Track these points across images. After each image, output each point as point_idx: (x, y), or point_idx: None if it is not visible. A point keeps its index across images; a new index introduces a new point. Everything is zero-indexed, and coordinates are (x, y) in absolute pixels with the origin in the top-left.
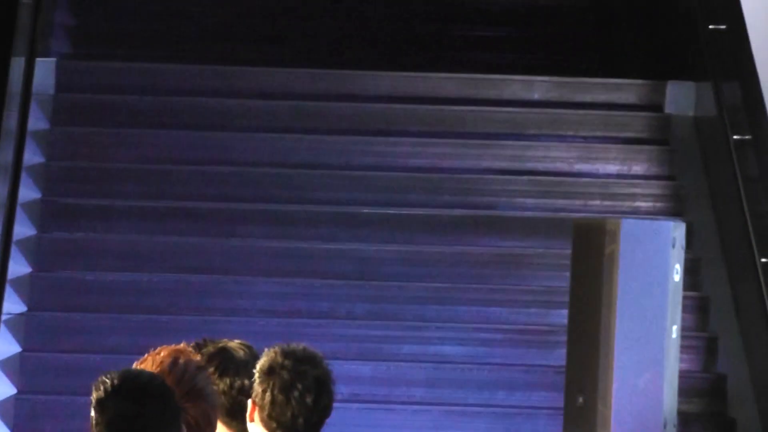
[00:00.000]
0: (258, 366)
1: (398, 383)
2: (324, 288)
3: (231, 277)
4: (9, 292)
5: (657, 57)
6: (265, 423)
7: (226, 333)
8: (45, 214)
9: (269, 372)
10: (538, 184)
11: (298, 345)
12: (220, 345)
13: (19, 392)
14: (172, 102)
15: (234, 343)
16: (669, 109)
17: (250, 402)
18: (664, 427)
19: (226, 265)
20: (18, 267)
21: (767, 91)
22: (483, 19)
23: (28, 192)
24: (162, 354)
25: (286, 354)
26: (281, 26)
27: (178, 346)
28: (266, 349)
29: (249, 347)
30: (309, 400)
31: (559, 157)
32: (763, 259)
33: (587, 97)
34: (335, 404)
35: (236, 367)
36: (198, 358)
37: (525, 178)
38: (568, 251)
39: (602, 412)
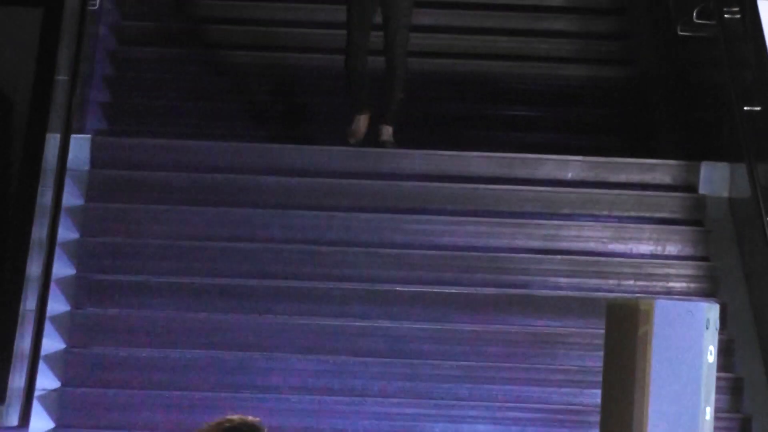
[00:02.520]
0: None
1: None
2: (357, 365)
3: (264, 353)
4: (43, 368)
5: (691, 137)
6: None
7: (258, 410)
8: (79, 290)
9: None
10: (572, 264)
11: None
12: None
13: None
14: (206, 179)
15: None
16: (703, 189)
17: None
18: None
19: (259, 341)
20: (52, 343)
21: None
22: (517, 99)
23: (62, 268)
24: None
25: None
26: (316, 104)
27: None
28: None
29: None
30: None
31: (592, 236)
32: None
33: (621, 177)
34: None
35: None
36: None
37: (558, 257)
38: (602, 331)
39: None
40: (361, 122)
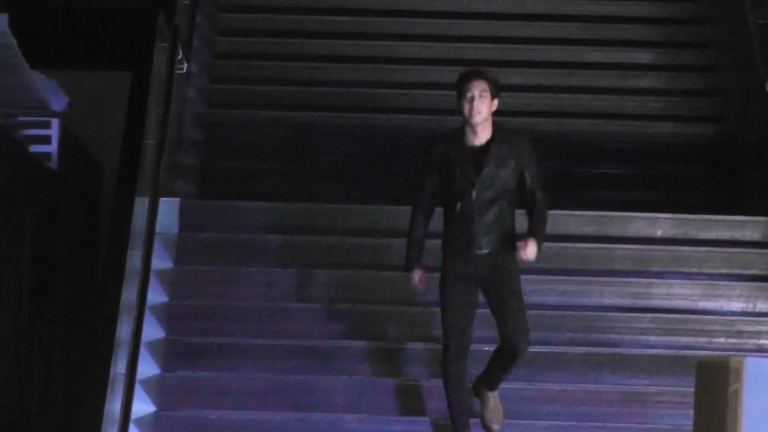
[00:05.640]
0: None
1: None
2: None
3: (354, 415)
4: None
5: None
6: None
7: None
8: (169, 353)
9: None
10: (662, 322)
11: None
12: None
13: None
14: (295, 240)
15: None
16: None
17: None
18: None
19: (348, 402)
20: (143, 406)
21: None
22: (605, 157)
23: (152, 331)
24: None
25: None
26: (402, 165)
27: None
28: None
29: None
30: None
31: (682, 294)
32: None
33: (710, 234)
34: None
35: None
36: None
37: (649, 315)
38: (692, 389)
39: None
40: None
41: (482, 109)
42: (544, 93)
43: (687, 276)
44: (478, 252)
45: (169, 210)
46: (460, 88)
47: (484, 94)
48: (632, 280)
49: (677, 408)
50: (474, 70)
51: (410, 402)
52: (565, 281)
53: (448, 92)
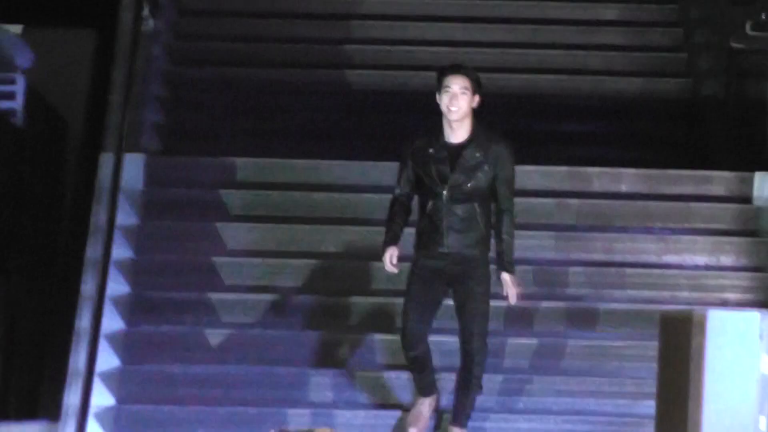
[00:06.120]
0: None
1: None
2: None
3: (317, 369)
4: (98, 386)
5: (745, 149)
6: None
7: (311, 425)
8: (134, 308)
9: None
10: (627, 276)
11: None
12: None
13: None
14: (258, 195)
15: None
16: (757, 200)
17: None
18: None
19: (311, 356)
20: (107, 360)
21: None
22: (571, 114)
23: (117, 286)
24: None
25: None
26: (367, 121)
27: None
28: None
29: None
30: None
31: (647, 249)
32: None
33: (675, 189)
34: None
35: None
36: None
37: (613, 270)
38: (656, 343)
39: None
40: (426, 406)
41: (461, 106)
42: (510, 49)
43: (651, 230)
44: (446, 251)
45: (134, 166)
46: (440, 82)
47: (464, 90)
48: (597, 235)
49: (641, 361)
50: (455, 65)
51: (372, 356)
52: (530, 236)
53: (416, 48)
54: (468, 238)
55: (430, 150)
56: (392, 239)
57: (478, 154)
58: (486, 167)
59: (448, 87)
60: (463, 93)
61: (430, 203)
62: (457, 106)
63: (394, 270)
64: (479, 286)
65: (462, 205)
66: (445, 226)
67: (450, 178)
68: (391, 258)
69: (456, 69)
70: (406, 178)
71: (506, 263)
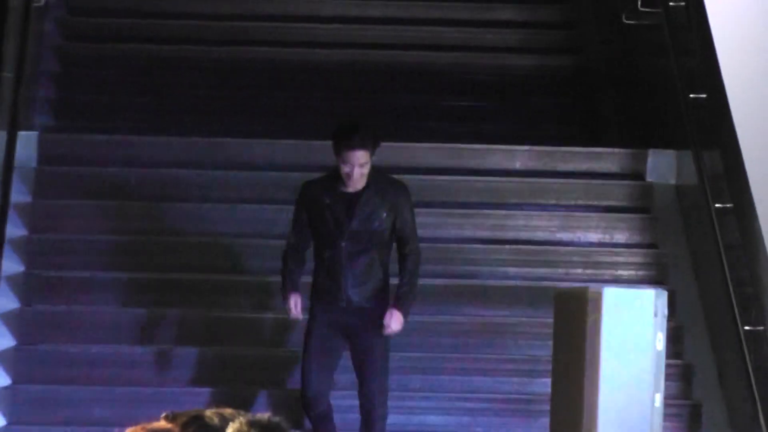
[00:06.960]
0: None
1: None
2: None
3: (212, 347)
4: None
5: (638, 125)
6: None
7: (207, 404)
8: (28, 287)
9: None
10: (520, 253)
11: (263, 415)
12: (194, 413)
13: None
14: (153, 174)
15: (208, 412)
16: (650, 177)
17: None
18: None
19: (206, 334)
20: (2, 341)
21: (748, 158)
22: (465, 90)
23: (11, 265)
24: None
25: (252, 424)
26: (266, 100)
27: (151, 424)
28: (232, 421)
29: (222, 415)
30: None
31: (540, 226)
32: (746, 327)
33: (569, 166)
34: None
35: None
36: (174, 428)
37: (507, 247)
38: (551, 320)
39: None
40: None
41: (362, 181)
42: (403, 26)
43: (545, 208)
44: (344, 305)
45: (27, 143)
46: (339, 151)
47: (364, 165)
48: (490, 212)
49: (536, 338)
50: (357, 139)
51: (265, 334)
52: (424, 213)
53: (312, 24)
54: (367, 290)
55: (327, 200)
56: (293, 287)
57: (376, 200)
58: (384, 213)
59: (346, 161)
60: (363, 167)
61: (327, 253)
62: (359, 181)
63: (299, 317)
64: (379, 338)
65: (361, 256)
66: (343, 279)
67: (348, 227)
68: (295, 305)
69: (358, 144)
70: (301, 225)
71: (402, 307)
